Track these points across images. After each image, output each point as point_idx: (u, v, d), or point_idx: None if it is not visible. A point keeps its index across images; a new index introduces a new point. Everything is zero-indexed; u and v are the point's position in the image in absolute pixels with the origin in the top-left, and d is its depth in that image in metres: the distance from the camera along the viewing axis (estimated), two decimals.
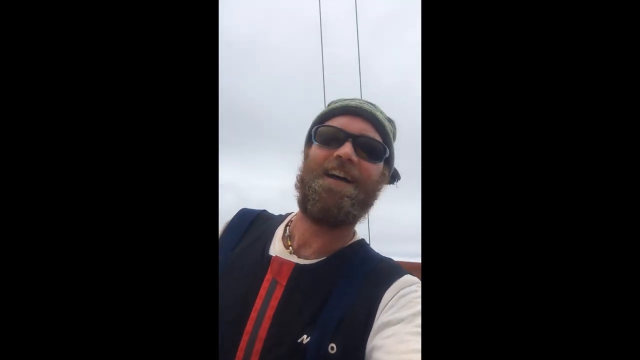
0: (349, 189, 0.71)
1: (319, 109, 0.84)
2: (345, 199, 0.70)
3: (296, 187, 0.76)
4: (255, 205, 0.92)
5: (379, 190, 0.78)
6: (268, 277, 0.72)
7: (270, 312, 0.67)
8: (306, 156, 0.79)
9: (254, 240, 0.80)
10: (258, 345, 0.64)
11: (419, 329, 0.58)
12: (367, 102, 0.80)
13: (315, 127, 0.77)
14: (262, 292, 0.70)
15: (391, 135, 0.80)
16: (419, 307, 0.62)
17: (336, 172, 0.71)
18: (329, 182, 0.71)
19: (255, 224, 0.85)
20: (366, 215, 0.79)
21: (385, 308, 0.65)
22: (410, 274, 0.72)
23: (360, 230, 0.83)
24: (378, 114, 0.77)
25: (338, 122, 0.75)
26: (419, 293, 0.66)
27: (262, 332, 0.65)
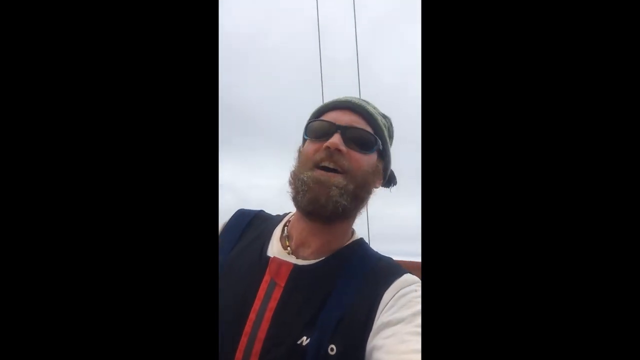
0: (337, 179, 0.70)
1: None
2: (334, 188, 0.69)
3: (290, 183, 0.76)
4: (254, 205, 0.92)
5: (372, 183, 0.77)
6: (266, 278, 0.71)
7: (269, 314, 0.67)
8: (300, 153, 0.79)
9: (252, 241, 0.80)
10: (257, 347, 0.64)
11: (419, 329, 0.58)
12: (359, 98, 0.80)
13: (306, 124, 0.78)
14: (261, 293, 0.69)
15: (384, 130, 0.79)
16: (418, 307, 0.62)
17: (326, 164, 0.71)
18: (318, 173, 0.71)
19: (253, 224, 0.84)
20: (360, 210, 0.77)
21: (385, 308, 0.64)
22: (410, 273, 0.72)
23: (360, 229, 0.83)
24: (369, 107, 0.78)
25: (329, 116, 0.76)
26: (419, 292, 0.66)
27: (261, 334, 0.65)
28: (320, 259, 0.73)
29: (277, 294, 0.69)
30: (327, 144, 0.71)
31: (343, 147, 0.71)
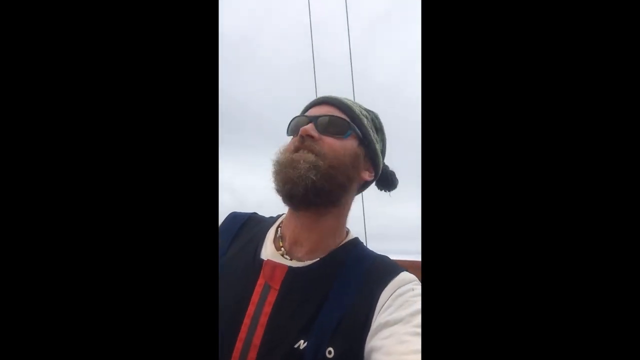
0: (307, 156, 0.70)
1: None
2: (302, 162, 0.69)
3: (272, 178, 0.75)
4: (252, 205, 0.91)
5: (352, 168, 0.75)
6: (260, 281, 0.70)
7: (264, 319, 0.65)
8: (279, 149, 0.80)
9: (245, 244, 0.79)
10: (253, 353, 0.63)
11: (418, 329, 0.57)
12: (342, 97, 0.81)
13: (288, 124, 0.80)
14: (255, 297, 0.68)
15: (364, 118, 0.79)
16: (416, 306, 0.61)
17: (299, 150, 0.72)
18: (290, 155, 0.71)
19: (246, 227, 0.83)
20: (346, 199, 0.76)
21: (383, 308, 0.64)
22: (407, 271, 0.71)
23: (357, 229, 0.82)
24: (347, 101, 0.79)
25: (308, 113, 0.79)
26: (417, 291, 0.65)
27: (256, 339, 0.64)
28: (315, 261, 0.72)
29: (271, 297, 0.68)
30: (300, 132, 0.73)
31: (315, 133, 0.72)
